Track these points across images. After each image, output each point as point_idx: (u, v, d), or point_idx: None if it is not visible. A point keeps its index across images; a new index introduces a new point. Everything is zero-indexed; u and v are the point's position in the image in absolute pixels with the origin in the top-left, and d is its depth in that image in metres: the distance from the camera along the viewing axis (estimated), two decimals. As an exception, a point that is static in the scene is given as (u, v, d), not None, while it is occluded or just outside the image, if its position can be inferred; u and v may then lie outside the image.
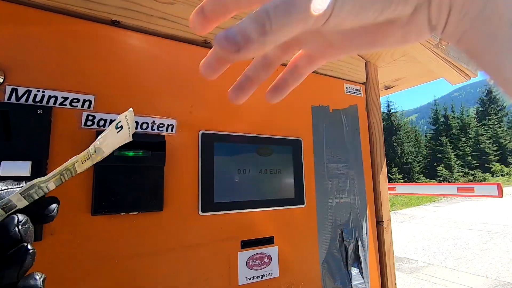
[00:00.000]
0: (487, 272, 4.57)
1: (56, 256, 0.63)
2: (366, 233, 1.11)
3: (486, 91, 39.46)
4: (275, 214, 0.93)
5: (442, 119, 35.97)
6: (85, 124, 0.68)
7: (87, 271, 0.65)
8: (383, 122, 1.53)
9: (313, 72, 1.10)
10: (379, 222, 1.18)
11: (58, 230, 0.63)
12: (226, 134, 0.88)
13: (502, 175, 28.29)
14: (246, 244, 0.86)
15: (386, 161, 1.28)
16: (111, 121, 0.71)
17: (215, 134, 0.86)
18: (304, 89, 1.07)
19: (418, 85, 1.39)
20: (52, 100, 0.66)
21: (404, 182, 25.30)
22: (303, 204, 0.98)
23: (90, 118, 0.69)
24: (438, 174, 28.17)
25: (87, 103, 0.69)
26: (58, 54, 0.69)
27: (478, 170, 29.11)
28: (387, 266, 1.13)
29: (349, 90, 1.21)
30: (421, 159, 31.09)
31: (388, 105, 32.25)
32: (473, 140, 32.98)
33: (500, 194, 5.18)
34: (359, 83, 1.25)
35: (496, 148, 32.18)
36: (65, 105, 0.67)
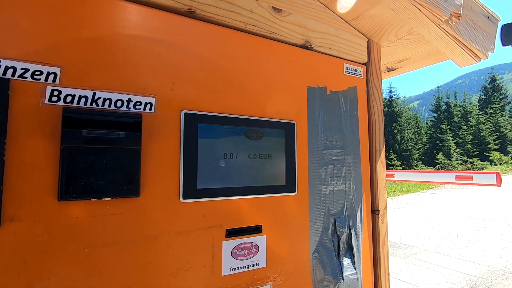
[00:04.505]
0: (480, 258, 4.62)
1: (19, 244, 0.57)
2: (361, 223, 1.07)
3: (490, 79, 38.83)
4: (264, 201, 0.87)
5: (444, 107, 35.64)
6: (50, 100, 0.61)
7: (55, 260, 0.60)
8: (384, 108, 1.44)
9: (310, 49, 1.02)
10: (374, 211, 1.13)
11: (19, 216, 0.57)
12: (212, 114, 0.80)
13: (500, 163, 28.33)
14: (232, 233, 0.81)
15: (386, 148, 1.21)
16: (80, 98, 0.64)
17: (200, 114, 0.78)
18: (299, 68, 0.98)
19: (423, 67, 1.30)
20: (10, 71, 0.58)
21: (402, 169, 25.38)
22: (295, 191, 0.93)
23: (56, 93, 0.62)
24: (437, 161, 28.20)
25: (51, 76, 0.62)
26: (19, 18, 0.60)
27: (477, 158, 29.12)
28: (380, 256, 1.09)
29: (349, 70, 1.12)
30: (421, 146, 31.07)
31: (391, 91, 31.82)
32: (473, 128, 32.80)
33: (499, 183, 5.15)
34: (360, 63, 1.16)
35: (496, 136, 32.04)
36: (26, 77, 0.59)
